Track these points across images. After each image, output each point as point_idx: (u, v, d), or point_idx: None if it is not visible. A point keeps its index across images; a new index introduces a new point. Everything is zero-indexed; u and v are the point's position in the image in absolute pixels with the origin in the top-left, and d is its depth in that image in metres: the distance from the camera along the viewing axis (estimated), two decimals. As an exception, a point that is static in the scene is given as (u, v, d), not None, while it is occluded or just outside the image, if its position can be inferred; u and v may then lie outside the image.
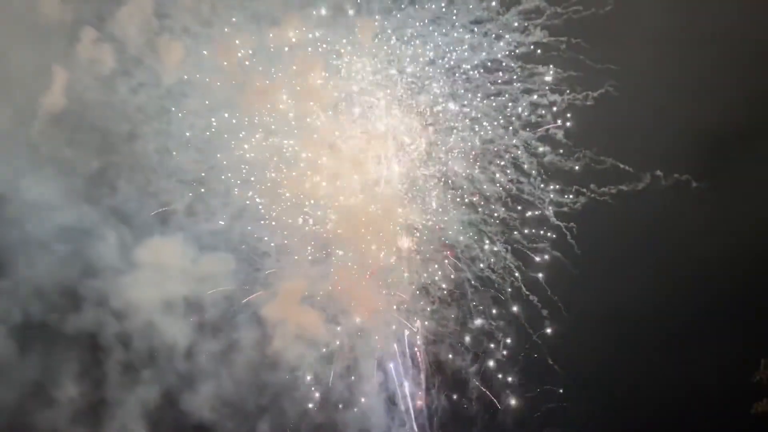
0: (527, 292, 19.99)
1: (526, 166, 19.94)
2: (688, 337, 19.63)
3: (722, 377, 18.89)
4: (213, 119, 19.78)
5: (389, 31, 19.90)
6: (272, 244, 20.40)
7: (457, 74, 20.16)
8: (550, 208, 19.89)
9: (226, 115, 19.75)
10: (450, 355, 20.46)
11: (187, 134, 19.58)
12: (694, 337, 19.51)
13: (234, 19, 19.29)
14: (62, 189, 18.69)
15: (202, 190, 19.86)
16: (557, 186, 19.88)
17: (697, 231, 19.70)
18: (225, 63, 19.12)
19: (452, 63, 20.08)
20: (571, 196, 19.69)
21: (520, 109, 19.92)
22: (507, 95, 19.97)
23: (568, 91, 19.42)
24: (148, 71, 19.02)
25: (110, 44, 18.73)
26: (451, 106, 20.28)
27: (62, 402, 18.41)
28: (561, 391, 19.97)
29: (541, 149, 19.83)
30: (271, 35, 19.35)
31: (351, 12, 19.66)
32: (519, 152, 20.01)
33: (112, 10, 18.70)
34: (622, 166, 19.20)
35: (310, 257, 20.38)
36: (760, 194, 19.31)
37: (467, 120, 20.24)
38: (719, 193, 19.40)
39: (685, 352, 19.63)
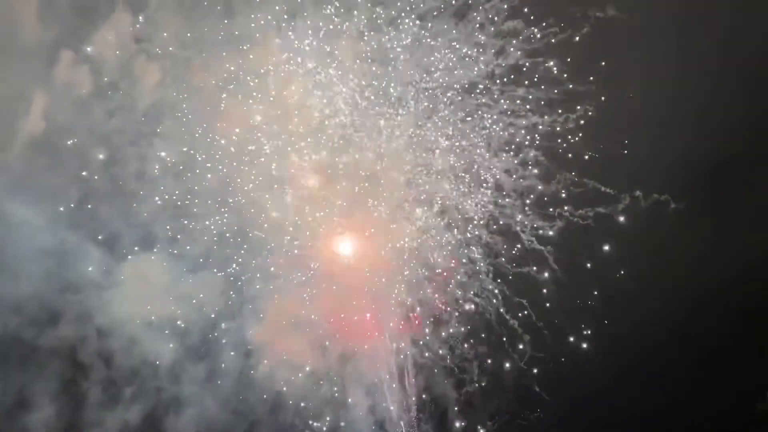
0: (508, 317, 20.01)
1: (505, 189, 20.01)
2: (685, 366, 19.55)
3: (722, 408, 18.79)
4: (192, 142, 19.67)
5: (370, 53, 19.98)
6: (254, 264, 20.26)
7: (438, 95, 20.18)
8: (531, 231, 19.93)
9: (199, 131, 19.65)
10: (438, 381, 20.49)
11: (165, 157, 19.44)
12: (692, 366, 19.43)
13: (212, 41, 19.29)
14: (42, 212, 18.53)
15: (184, 215, 19.72)
16: (538, 209, 19.95)
17: (696, 252, 19.71)
18: (202, 85, 19.09)
19: (433, 84, 20.15)
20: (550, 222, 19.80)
21: (499, 129, 19.96)
22: (488, 116, 20.02)
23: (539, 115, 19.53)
24: (127, 94, 18.92)
25: (88, 67, 18.62)
26: (432, 127, 20.28)
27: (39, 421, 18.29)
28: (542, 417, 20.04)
29: (520, 171, 19.93)
30: (250, 57, 19.30)
31: (331, 33, 19.71)
32: (499, 174, 20.05)
33: (90, 33, 18.62)
34: (603, 189, 19.23)
35: (295, 280, 20.28)
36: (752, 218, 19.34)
37: (449, 141, 20.23)
38: (716, 218, 19.43)
39: (683, 381, 19.52)
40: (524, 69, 19.57)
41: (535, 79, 19.58)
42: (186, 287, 19.48)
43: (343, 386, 20.05)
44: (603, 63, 19.01)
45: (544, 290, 19.89)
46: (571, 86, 19.36)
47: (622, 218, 19.16)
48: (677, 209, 18.91)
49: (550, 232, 19.77)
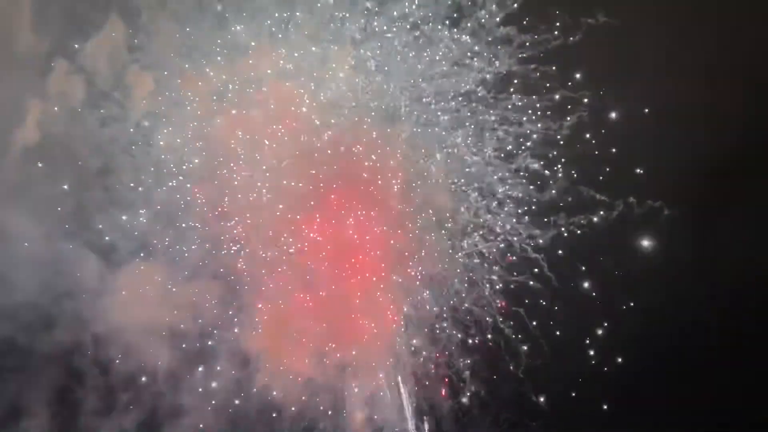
0: (504, 326, 19.95)
1: (499, 197, 19.99)
2: (688, 373, 19.38)
3: (722, 413, 18.69)
4: (186, 148, 19.70)
5: (363, 61, 20.04)
6: (250, 271, 20.27)
7: (432, 104, 20.20)
8: (525, 239, 19.90)
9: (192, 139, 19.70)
10: (436, 390, 20.43)
11: (160, 166, 19.47)
12: (696, 374, 19.26)
13: (205, 50, 19.38)
14: (38, 221, 18.58)
15: (179, 222, 19.73)
16: (533, 216, 19.91)
17: (695, 262, 19.62)
18: (197, 94, 19.14)
19: (427, 92, 20.17)
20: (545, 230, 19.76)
21: (493, 137, 19.98)
22: (481, 123, 20.03)
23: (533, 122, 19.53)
24: (120, 104, 18.97)
25: (82, 76, 18.69)
26: (427, 135, 20.27)
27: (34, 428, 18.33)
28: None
29: (514, 180, 19.91)
30: (243, 65, 19.36)
31: (325, 41, 19.78)
32: (494, 182, 20.04)
33: (84, 43, 18.68)
34: (598, 196, 19.21)
35: (292, 289, 20.22)
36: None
37: (444, 150, 20.23)
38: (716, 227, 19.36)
39: (685, 389, 19.36)
40: (518, 76, 19.64)
41: (529, 86, 19.68)
42: (182, 295, 19.46)
43: (340, 394, 20.04)
44: (598, 69, 19.04)
45: (541, 298, 19.93)
46: (564, 93, 19.38)
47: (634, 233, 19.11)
48: (670, 215, 18.90)
49: (545, 240, 19.78)
